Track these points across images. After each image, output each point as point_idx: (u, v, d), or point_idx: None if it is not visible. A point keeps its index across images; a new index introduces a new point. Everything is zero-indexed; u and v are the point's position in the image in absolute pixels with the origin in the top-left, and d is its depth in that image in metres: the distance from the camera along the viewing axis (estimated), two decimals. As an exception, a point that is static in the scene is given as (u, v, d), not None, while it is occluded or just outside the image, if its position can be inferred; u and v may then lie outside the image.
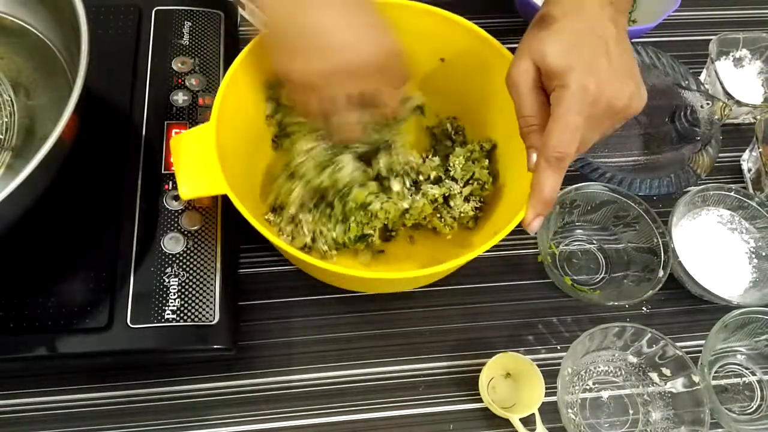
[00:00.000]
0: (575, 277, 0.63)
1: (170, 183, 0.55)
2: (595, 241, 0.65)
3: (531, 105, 0.48)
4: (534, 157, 0.48)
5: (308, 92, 0.50)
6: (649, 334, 0.56)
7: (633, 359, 0.58)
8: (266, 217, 0.59)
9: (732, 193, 0.64)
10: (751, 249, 0.64)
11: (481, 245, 0.49)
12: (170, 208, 0.55)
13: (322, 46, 0.48)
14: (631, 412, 0.57)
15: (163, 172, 0.56)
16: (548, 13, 0.48)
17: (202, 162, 0.50)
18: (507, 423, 0.55)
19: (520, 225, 0.49)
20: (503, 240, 0.63)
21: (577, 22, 0.47)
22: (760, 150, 0.66)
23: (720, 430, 0.56)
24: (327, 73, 0.48)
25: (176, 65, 0.61)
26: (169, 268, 0.52)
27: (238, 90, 0.54)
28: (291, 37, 0.49)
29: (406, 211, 0.57)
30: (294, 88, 0.52)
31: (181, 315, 0.50)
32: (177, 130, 0.58)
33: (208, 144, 0.50)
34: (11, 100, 0.56)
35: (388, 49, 0.49)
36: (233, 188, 0.49)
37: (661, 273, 0.58)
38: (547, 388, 0.55)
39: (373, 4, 0.50)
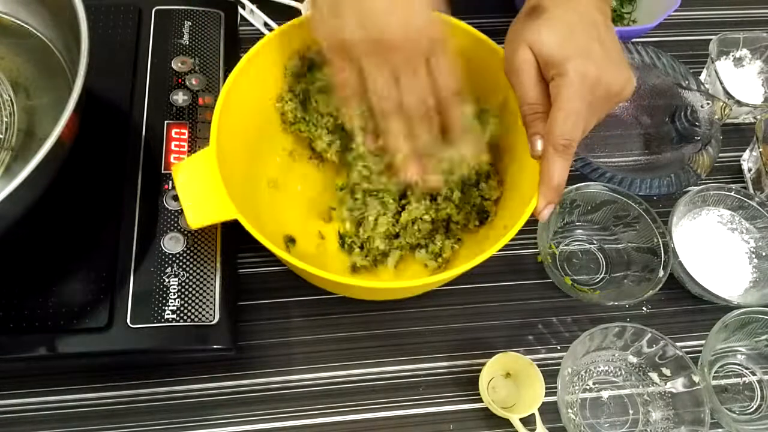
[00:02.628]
0: (575, 277, 0.63)
1: (170, 183, 0.55)
2: (595, 241, 0.65)
3: (535, 92, 0.49)
4: (539, 144, 0.48)
5: (343, 63, 0.48)
6: (649, 334, 0.56)
7: (633, 359, 0.58)
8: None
9: (732, 193, 0.64)
10: (751, 249, 0.64)
11: (489, 248, 0.49)
12: (170, 207, 0.55)
13: (363, 10, 0.45)
14: (631, 412, 0.57)
15: (163, 172, 0.56)
16: (538, 3, 0.49)
17: (206, 188, 0.49)
18: (507, 423, 0.55)
19: (532, 215, 0.49)
20: (503, 240, 0.63)
21: (568, 11, 0.48)
22: (760, 150, 0.66)
23: (720, 430, 0.56)
24: (362, 42, 0.45)
25: (176, 65, 0.61)
26: (169, 268, 0.52)
27: (234, 108, 0.53)
28: None
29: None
30: (329, 57, 0.48)
31: (181, 315, 0.50)
32: (177, 130, 0.58)
33: (211, 169, 0.49)
34: (11, 100, 0.56)
35: (433, 33, 0.46)
36: (239, 207, 0.48)
37: (661, 273, 0.58)
38: (547, 388, 0.54)
39: None
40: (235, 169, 0.54)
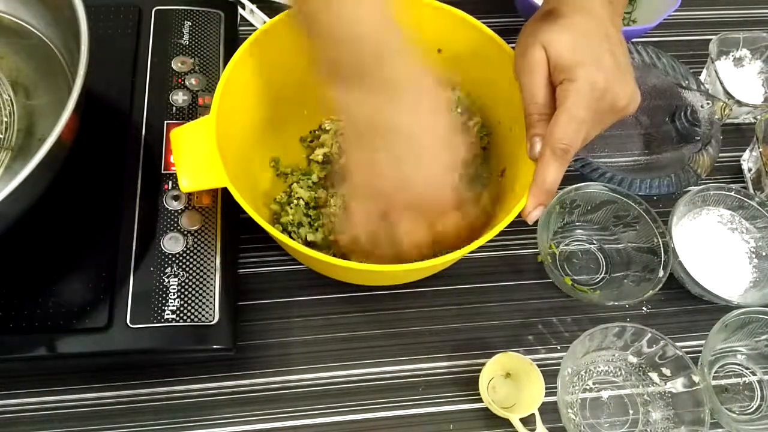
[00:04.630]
0: (575, 277, 0.63)
1: (170, 183, 0.55)
2: (595, 241, 0.65)
3: (543, 93, 0.49)
4: (538, 145, 0.48)
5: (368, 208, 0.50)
6: (649, 334, 0.56)
7: (633, 359, 0.58)
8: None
9: (732, 193, 0.64)
10: (751, 249, 0.64)
11: (483, 236, 0.49)
12: (170, 208, 0.55)
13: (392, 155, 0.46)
14: (631, 412, 0.57)
15: (162, 172, 0.56)
16: (555, 8, 0.49)
17: (202, 155, 0.50)
18: (507, 423, 0.55)
19: (519, 216, 0.49)
20: (503, 240, 0.63)
21: (584, 19, 0.48)
22: (761, 150, 0.66)
23: (720, 430, 0.56)
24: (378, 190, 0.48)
25: (176, 65, 0.61)
26: (169, 268, 0.52)
27: (238, 84, 0.54)
28: (356, 83, 0.45)
29: None
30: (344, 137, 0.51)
31: (181, 315, 0.50)
32: (177, 130, 0.58)
33: (209, 137, 0.50)
34: (11, 100, 0.56)
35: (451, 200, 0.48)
36: (234, 182, 0.49)
37: (661, 273, 0.58)
38: (547, 388, 0.54)
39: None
40: (234, 153, 0.54)
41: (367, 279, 0.59)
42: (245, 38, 0.55)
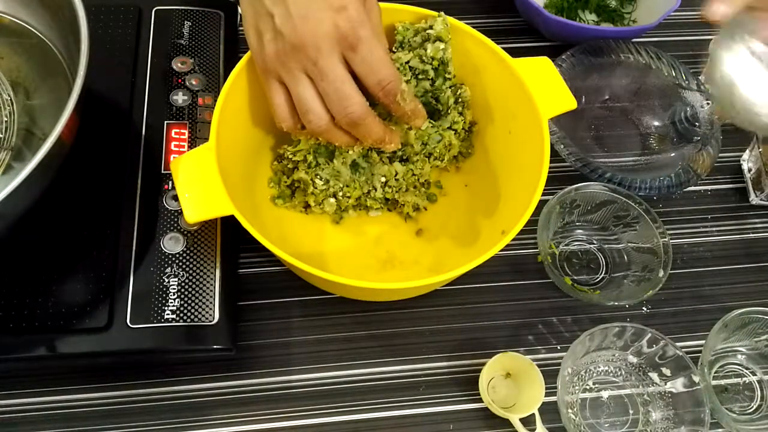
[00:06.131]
0: (575, 277, 0.63)
1: (170, 183, 0.56)
2: (595, 241, 0.65)
3: None
4: None
5: (269, 81, 0.49)
6: (649, 334, 0.56)
7: (633, 359, 0.58)
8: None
9: None
10: None
11: (486, 252, 0.49)
12: (170, 208, 0.55)
13: (274, 23, 0.46)
14: (631, 412, 0.57)
15: (163, 172, 0.56)
16: None
17: (204, 184, 0.49)
18: (507, 423, 0.55)
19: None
20: (503, 240, 0.63)
21: None
22: (760, 150, 0.66)
23: (720, 430, 0.56)
24: (278, 52, 0.47)
25: (176, 65, 0.61)
26: (169, 268, 0.52)
27: (235, 105, 0.54)
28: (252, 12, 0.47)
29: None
30: (260, 78, 0.50)
31: (181, 315, 0.50)
32: (177, 130, 0.58)
33: (209, 165, 0.49)
34: (11, 99, 0.56)
35: (346, 23, 0.46)
36: (237, 204, 0.48)
37: (661, 273, 0.58)
38: (547, 388, 0.54)
39: None
40: (235, 166, 0.54)
41: (369, 296, 0.59)
42: (245, 39, 0.55)
